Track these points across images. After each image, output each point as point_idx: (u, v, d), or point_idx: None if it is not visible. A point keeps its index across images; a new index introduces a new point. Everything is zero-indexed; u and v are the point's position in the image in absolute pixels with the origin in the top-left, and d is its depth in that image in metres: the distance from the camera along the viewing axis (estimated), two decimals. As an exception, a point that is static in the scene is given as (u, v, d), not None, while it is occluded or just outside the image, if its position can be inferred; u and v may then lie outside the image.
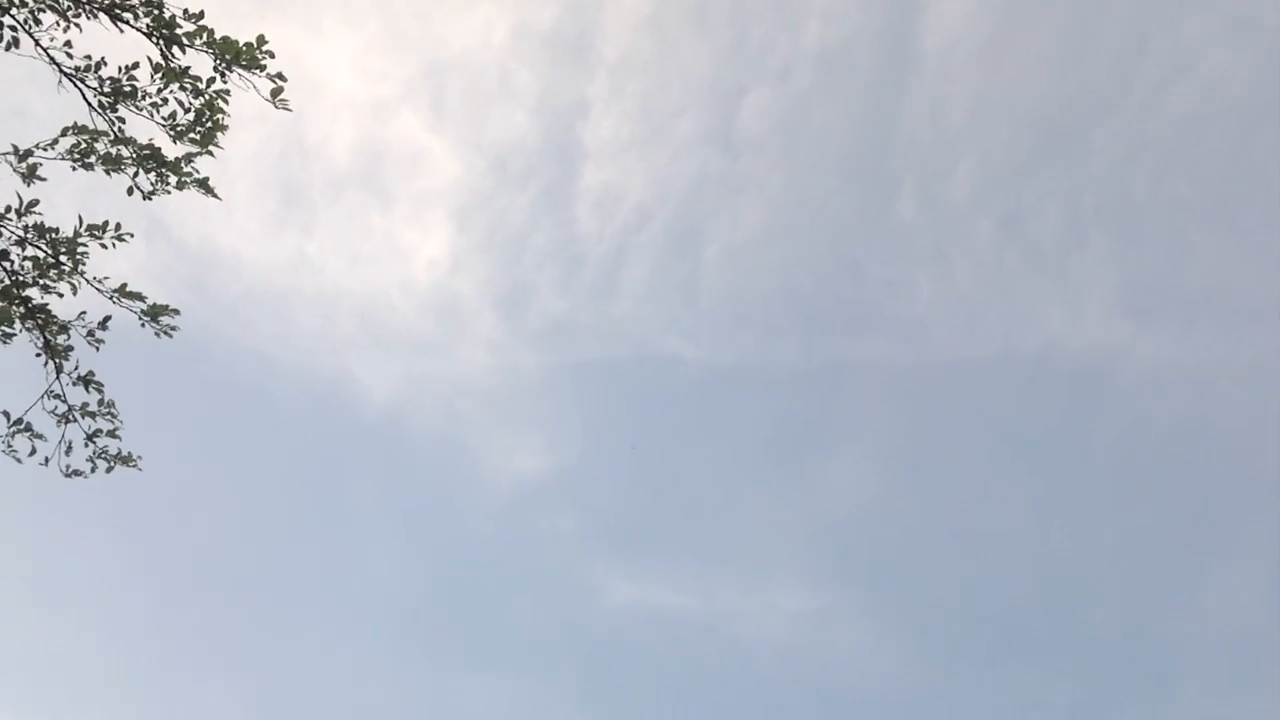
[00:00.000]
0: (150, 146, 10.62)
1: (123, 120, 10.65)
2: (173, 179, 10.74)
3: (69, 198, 11.50)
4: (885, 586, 51.99)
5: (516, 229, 45.50)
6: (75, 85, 10.52)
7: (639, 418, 51.02)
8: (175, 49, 10.51)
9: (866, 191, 47.50)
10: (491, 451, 49.51)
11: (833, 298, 48.59)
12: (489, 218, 45.27)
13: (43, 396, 11.20)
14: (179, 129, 10.56)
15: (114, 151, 10.85)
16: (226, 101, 10.69)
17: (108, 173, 10.93)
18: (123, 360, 12.07)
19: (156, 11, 10.28)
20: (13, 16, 10.34)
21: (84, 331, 11.15)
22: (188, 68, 10.54)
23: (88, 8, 10.34)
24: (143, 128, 10.84)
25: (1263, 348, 45.26)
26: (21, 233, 10.77)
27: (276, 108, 10.81)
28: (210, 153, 10.65)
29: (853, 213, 47.77)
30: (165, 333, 11.13)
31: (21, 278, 10.95)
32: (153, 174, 10.76)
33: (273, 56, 10.59)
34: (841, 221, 47.77)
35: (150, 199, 10.86)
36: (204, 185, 10.89)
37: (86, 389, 11.24)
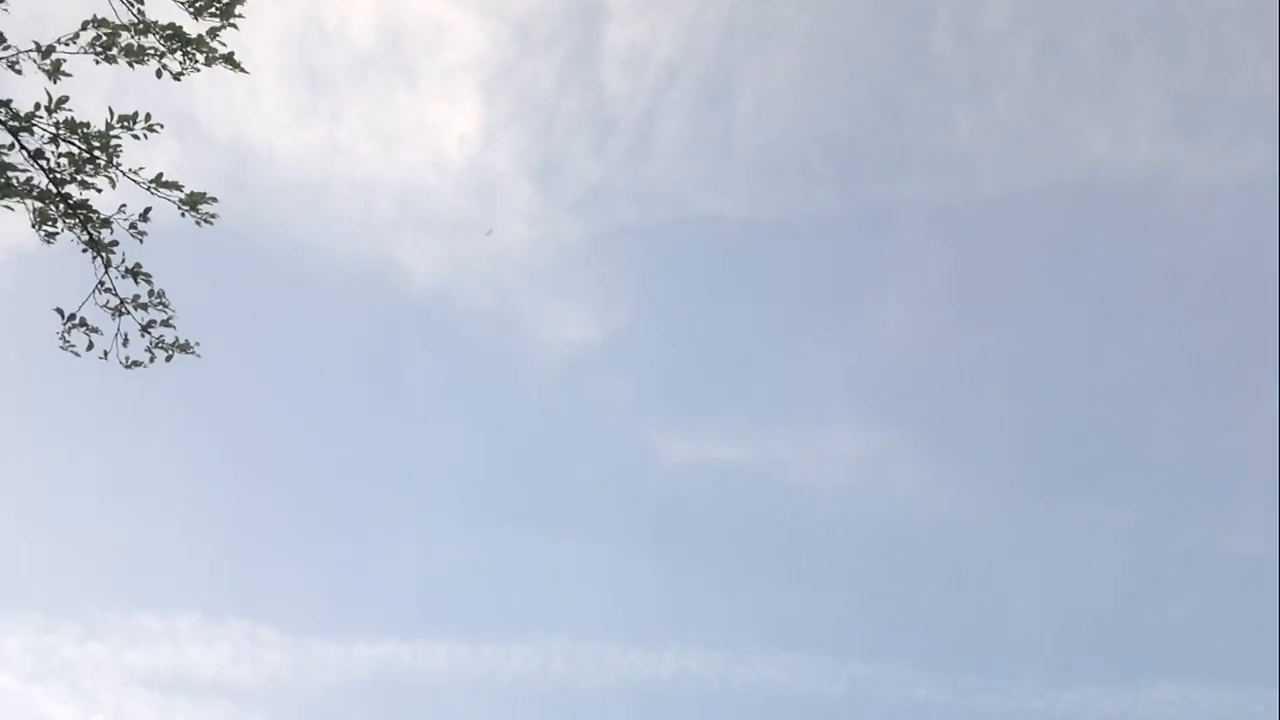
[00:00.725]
0: (173, 26, 10.46)
1: (141, 1, 10.46)
2: (200, 56, 10.60)
3: (95, 100, 11.38)
4: (940, 424, 52.18)
5: (545, 97, 44.77)
6: (89, -29, 10.32)
7: (683, 278, 50.85)
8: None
9: (899, 27, 46.06)
10: (540, 323, 49.72)
11: (871, 140, 47.62)
12: (516, 88, 44.54)
13: (94, 291, 11.29)
14: (198, 5, 10.37)
15: (136, 43, 10.68)
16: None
17: (130, 64, 10.78)
18: (167, 260, 12.09)
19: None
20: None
21: (126, 225, 11.16)
22: (199, -56, 10.30)
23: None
24: (162, 10, 10.65)
25: (1314, 157, 44.07)
26: (54, 129, 10.71)
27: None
28: (234, 25, 10.47)
29: (886, 51, 46.44)
30: (205, 220, 11.12)
31: (59, 175, 10.93)
32: (179, 54, 10.63)
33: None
34: (875, 61, 46.48)
35: (180, 79, 10.75)
36: (231, 60, 10.76)
37: (135, 281, 11.31)
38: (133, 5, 10.45)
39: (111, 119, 10.61)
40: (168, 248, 12.18)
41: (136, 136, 10.96)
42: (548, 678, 44.78)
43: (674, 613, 48.85)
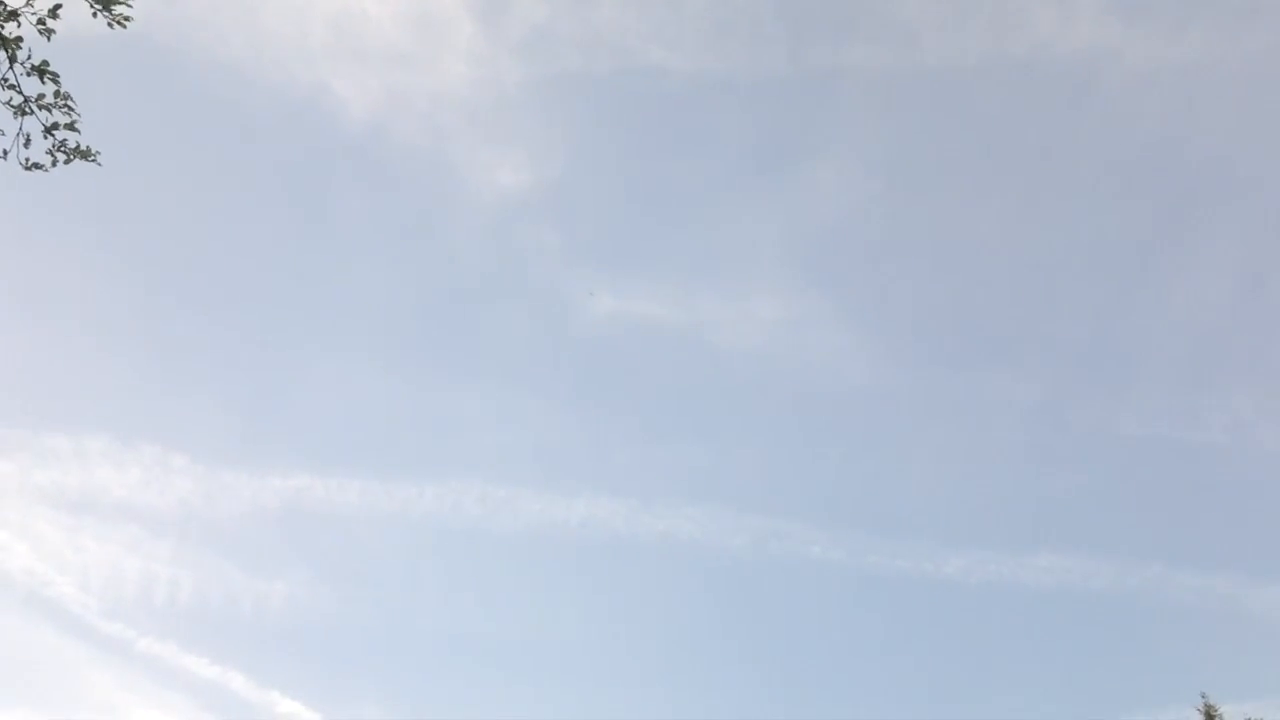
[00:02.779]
0: None
1: None
2: None
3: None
4: (863, 293, 53.12)
5: (497, -72, 43.32)
6: None
7: (622, 130, 50.32)
8: None
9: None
10: (475, 166, 49.11)
11: (820, 1, 46.92)
12: (468, -83, 43.01)
13: (-3, 87, 10.96)
14: None
15: None
16: None
17: None
18: (88, 71, 11.76)
19: None
20: None
21: (34, 20, 10.78)
22: None
23: None
24: None
25: (1251, 50, 44.61)
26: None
27: None
28: None
29: None
30: (119, 22, 10.81)
31: (-35, -40, 10.49)
32: None
33: None
34: None
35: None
36: None
37: (42, 80, 11.00)
38: None
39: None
40: (90, 57, 11.84)
41: (50, -73, 10.52)
42: (458, 518, 45.71)
43: (587, 462, 49.85)
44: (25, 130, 10.94)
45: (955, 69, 47.13)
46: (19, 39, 10.68)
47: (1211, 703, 25.99)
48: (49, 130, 11.05)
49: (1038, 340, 51.16)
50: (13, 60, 10.77)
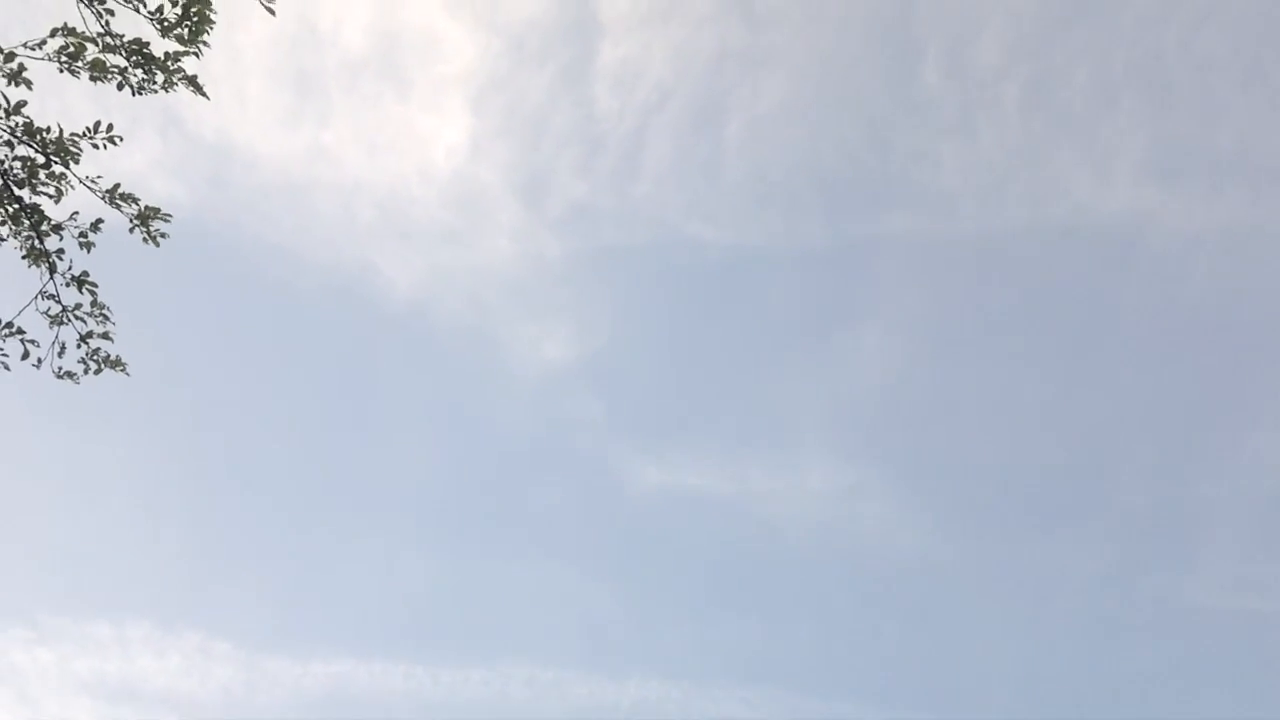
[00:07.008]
0: (138, 43, 10.47)
1: (111, 13, 10.49)
2: (160, 76, 10.62)
3: (77, 89, 11.39)
4: (912, 461, 52.30)
5: (535, 111, 45.01)
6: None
7: (663, 302, 51.00)
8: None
9: (891, 59, 46.60)
10: (517, 340, 49.74)
11: (857, 171, 47.99)
12: (507, 100, 44.78)
13: (36, 298, 11.28)
14: (166, 24, 10.40)
15: (104, 59, 10.72)
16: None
17: (94, 79, 10.82)
18: (137, 258, 12.06)
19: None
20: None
21: (76, 233, 11.16)
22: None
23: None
24: (129, 20, 10.70)
25: (1292, 211, 44.66)
26: (10, 131, 10.72)
27: (263, 6, 10.66)
28: (197, 53, 10.48)
29: (877, 82, 46.95)
30: (153, 240, 11.13)
31: (12, 178, 10.93)
32: (140, 70, 10.65)
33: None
34: (866, 91, 46.95)
35: (139, 95, 10.77)
36: (193, 83, 10.79)
37: (80, 290, 11.29)
38: (101, 16, 10.48)
39: (62, 134, 10.68)
40: (138, 245, 12.09)
41: (96, 145, 10.97)
42: (505, 704, 44.52)
43: (636, 642, 48.72)
44: (61, 339, 11.24)
45: (995, 234, 47.68)
46: (60, 250, 11.07)
47: None
48: (83, 339, 11.33)
49: (1096, 507, 50.04)
50: (53, 271, 11.14)
